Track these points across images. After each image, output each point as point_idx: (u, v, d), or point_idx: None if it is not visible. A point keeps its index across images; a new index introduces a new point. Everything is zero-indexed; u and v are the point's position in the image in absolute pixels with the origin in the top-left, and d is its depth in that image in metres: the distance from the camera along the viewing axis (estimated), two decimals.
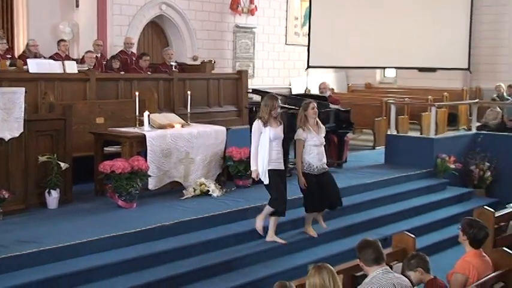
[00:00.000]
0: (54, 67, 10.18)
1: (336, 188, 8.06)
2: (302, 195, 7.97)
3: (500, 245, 6.49)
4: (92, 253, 6.65)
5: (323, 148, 7.98)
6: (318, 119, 8.02)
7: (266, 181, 7.46)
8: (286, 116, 10.34)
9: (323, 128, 8.06)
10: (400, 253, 5.91)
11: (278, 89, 15.28)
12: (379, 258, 4.93)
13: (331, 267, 4.49)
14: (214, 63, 13.80)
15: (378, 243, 5.04)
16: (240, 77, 12.02)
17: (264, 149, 7.40)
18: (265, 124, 7.42)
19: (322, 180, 7.88)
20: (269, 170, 7.41)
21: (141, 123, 8.78)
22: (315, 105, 7.98)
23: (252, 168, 7.62)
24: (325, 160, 7.99)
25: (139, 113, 8.82)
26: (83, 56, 11.87)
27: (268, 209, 7.59)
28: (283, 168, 7.63)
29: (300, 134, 7.84)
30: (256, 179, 7.66)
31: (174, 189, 8.86)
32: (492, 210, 7.29)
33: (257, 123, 7.49)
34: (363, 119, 13.78)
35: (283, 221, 7.85)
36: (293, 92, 16.77)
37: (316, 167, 7.83)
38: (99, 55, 12.32)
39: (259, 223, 7.68)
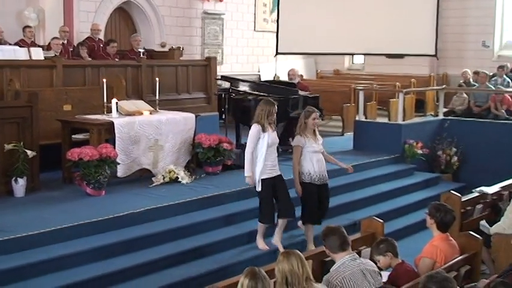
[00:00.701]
0: (19, 54, 10.02)
1: (327, 203, 7.92)
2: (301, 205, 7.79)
3: (466, 229, 6.59)
4: (61, 241, 6.60)
5: (322, 156, 7.76)
6: (316, 128, 7.82)
7: (259, 188, 7.27)
8: (255, 102, 10.37)
9: (320, 137, 7.84)
10: (369, 238, 5.97)
11: (247, 75, 15.26)
12: (344, 244, 4.97)
13: (300, 253, 4.51)
14: (182, 50, 13.71)
15: (341, 229, 5.08)
16: (209, 64, 11.96)
17: (261, 155, 7.20)
18: (263, 129, 7.22)
19: (321, 191, 7.72)
20: (263, 180, 7.23)
21: (109, 111, 8.71)
22: (317, 115, 7.78)
23: (246, 174, 7.37)
24: (325, 168, 7.76)
25: (107, 100, 8.75)
26: (49, 43, 11.70)
27: (260, 226, 7.52)
28: (279, 173, 7.40)
29: (298, 140, 7.64)
30: (250, 185, 7.46)
31: (143, 176, 8.82)
32: (459, 194, 7.40)
33: (256, 128, 7.24)
34: (331, 105, 13.83)
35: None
36: (262, 79, 16.78)
37: (317, 175, 7.61)
38: (65, 42, 12.16)
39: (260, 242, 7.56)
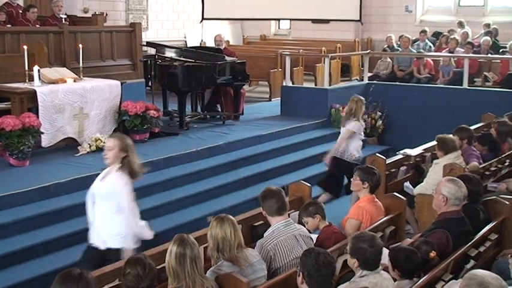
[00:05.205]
0: None
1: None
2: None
3: (391, 191, 6.75)
4: None
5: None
6: None
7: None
8: (182, 68, 10.28)
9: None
10: (297, 202, 6.03)
11: (173, 41, 15.07)
12: (281, 209, 4.98)
13: (233, 218, 4.50)
14: (106, 16, 13.40)
15: (281, 193, 5.09)
16: (134, 30, 11.75)
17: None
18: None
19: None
20: None
21: (31, 79, 8.48)
22: None
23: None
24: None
25: (28, 67, 8.51)
26: None
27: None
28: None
29: (357, 126, 8.22)
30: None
31: (68, 145, 8.66)
32: (383, 157, 7.55)
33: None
34: (258, 71, 13.85)
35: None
36: (188, 45, 16.62)
37: (358, 158, 8.19)
38: None
39: None
